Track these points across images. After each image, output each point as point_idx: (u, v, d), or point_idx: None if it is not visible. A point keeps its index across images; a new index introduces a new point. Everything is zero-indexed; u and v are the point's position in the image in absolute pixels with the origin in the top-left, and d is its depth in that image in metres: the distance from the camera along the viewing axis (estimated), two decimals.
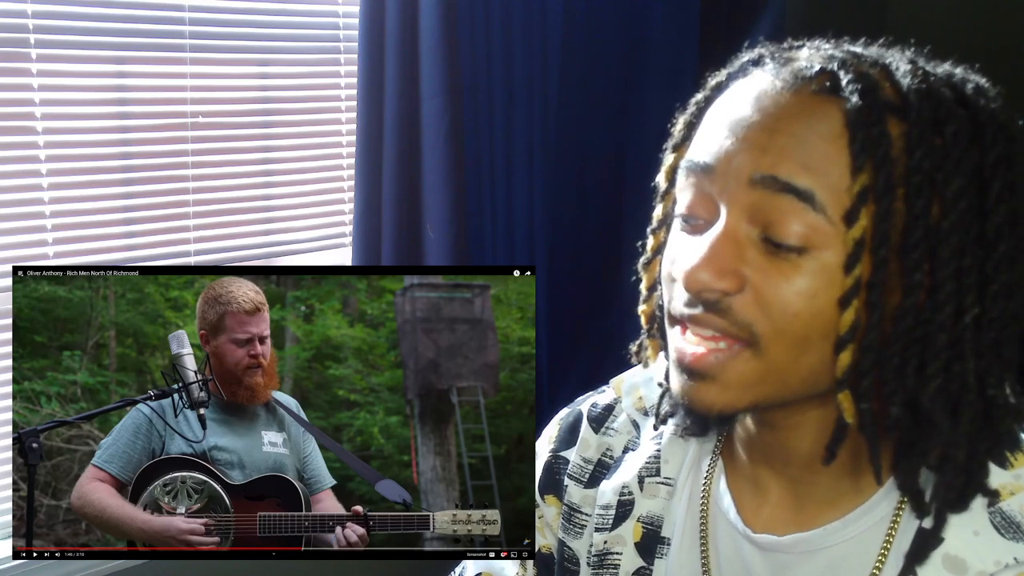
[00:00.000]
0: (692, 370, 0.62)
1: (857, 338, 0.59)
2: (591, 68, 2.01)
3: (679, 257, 0.63)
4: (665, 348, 0.73)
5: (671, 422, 0.78)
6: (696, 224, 0.63)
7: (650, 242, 0.72)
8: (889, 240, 0.58)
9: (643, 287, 0.73)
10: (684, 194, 0.64)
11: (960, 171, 0.59)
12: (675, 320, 0.64)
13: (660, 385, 0.80)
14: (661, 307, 0.71)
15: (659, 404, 0.79)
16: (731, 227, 0.61)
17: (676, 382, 0.64)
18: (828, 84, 0.60)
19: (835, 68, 0.61)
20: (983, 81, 0.64)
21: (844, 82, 0.60)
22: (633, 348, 0.79)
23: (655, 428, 0.79)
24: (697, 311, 0.62)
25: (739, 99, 0.63)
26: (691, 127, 0.68)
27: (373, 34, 1.72)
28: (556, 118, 1.98)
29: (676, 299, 0.64)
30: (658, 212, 0.71)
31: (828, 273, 0.59)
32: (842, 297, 0.59)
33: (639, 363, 0.79)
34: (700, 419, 0.70)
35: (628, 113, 2.08)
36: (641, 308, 0.74)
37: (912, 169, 0.58)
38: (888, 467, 0.66)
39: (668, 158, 0.70)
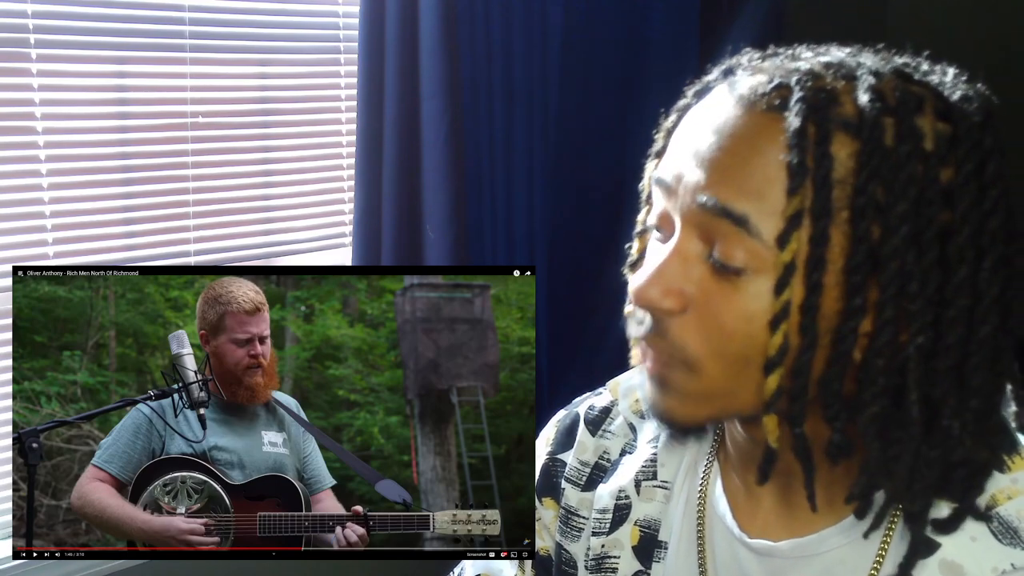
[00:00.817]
0: (652, 378, 0.64)
1: (787, 362, 0.59)
2: (591, 68, 2.01)
3: (635, 274, 0.64)
4: None
5: (657, 435, 0.79)
6: (664, 236, 0.64)
7: (636, 245, 0.72)
8: (824, 264, 0.57)
9: (629, 289, 0.73)
10: (656, 205, 0.65)
11: (906, 195, 0.56)
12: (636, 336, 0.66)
13: (636, 413, 0.82)
14: None
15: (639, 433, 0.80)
16: (681, 245, 0.61)
17: (647, 388, 0.66)
18: (778, 102, 0.58)
19: (791, 83, 0.59)
20: (973, 89, 0.60)
21: (792, 100, 0.58)
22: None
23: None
24: (643, 330, 0.63)
25: (702, 114, 0.62)
26: (669, 135, 0.67)
27: (373, 34, 1.72)
28: (556, 118, 1.98)
29: (636, 313, 0.65)
30: (642, 216, 0.72)
31: (765, 296, 0.58)
32: (771, 320, 0.58)
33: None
34: (664, 427, 0.70)
35: (628, 113, 2.08)
36: (627, 310, 0.74)
37: (857, 190, 0.56)
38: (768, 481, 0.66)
39: (650, 165, 0.70)
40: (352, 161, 1.82)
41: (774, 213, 0.57)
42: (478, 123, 1.86)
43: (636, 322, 0.64)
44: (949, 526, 0.63)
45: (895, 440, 0.59)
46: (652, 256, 0.64)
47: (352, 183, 1.82)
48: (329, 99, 1.90)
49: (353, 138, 1.79)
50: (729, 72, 0.65)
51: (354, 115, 1.78)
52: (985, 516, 0.63)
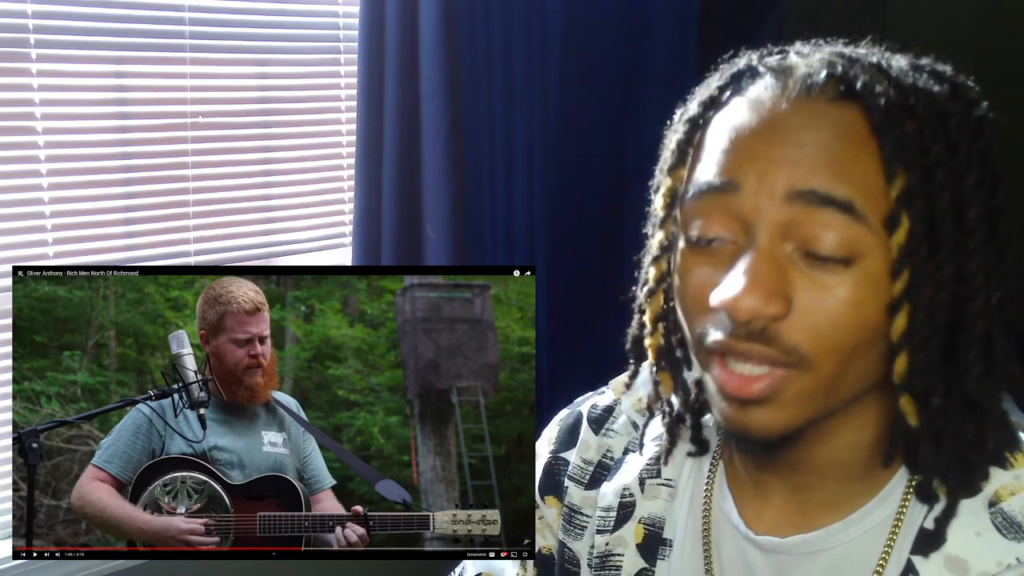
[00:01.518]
0: (744, 399, 0.60)
1: (911, 342, 0.60)
2: (591, 68, 2.01)
3: (717, 286, 0.60)
4: (676, 379, 0.73)
5: (661, 433, 0.78)
6: (716, 247, 0.61)
7: (652, 272, 0.70)
8: (926, 240, 0.58)
9: (647, 319, 0.71)
10: (696, 217, 0.62)
11: (974, 161, 0.60)
12: (712, 351, 0.62)
13: (647, 411, 0.79)
14: (673, 339, 0.71)
15: (642, 434, 0.79)
16: (768, 248, 0.59)
17: (725, 411, 0.62)
18: (843, 89, 0.60)
19: (842, 72, 0.60)
20: (951, 71, 0.64)
21: (859, 85, 0.59)
22: (626, 378, 0.79)
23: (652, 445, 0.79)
24: (740, 342, 0.60)
25: (747, 114, 0.62)
26: (685, 147, 0.66)
27: (373, 34, 1.72)
28: (556, 118, 1.98)
29: (713, 330, 0.61)
30: (660, 239, 0.69)
31: (873, 281, 0.58)
32: (891, 303, 0.59)
33: (628, 388, 0.81)
34: (750, 447, 0.68)
35: (628, 113, 2.08)
36: (647, 342, 0.72)
37: (932, 165, 0.59)
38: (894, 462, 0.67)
39: (664, 182, 0.67)
40: (352, 161, 1.82)
41: (871, 196, 0.58)
42: (478, 123, 1.86)
43: (727, 335, 0.60)
44: (972, 487, 0.64)
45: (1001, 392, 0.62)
46: (700, 271, 0.61)
47: (352, 183, 1.82)
48: (329, 99, 1.90)
49: (353, 138, 1.79)
50: (750, 75, 0.64)
51: (354, 115, 1.78)
52: (1002, 463, 0.64)
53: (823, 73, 0.60)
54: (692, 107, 0.67)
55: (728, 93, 0.65)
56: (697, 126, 0.65)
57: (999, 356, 0.62)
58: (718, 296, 0.59)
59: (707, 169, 0.62)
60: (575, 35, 1.97)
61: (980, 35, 2.44)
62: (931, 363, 0.61)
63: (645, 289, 0.71)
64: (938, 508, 0.64)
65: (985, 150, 0.61)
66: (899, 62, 0.63)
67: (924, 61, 0.64)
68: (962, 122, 0.60)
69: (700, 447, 0.76)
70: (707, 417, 0.75)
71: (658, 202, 0.69)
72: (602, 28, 2.01)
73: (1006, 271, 0.62)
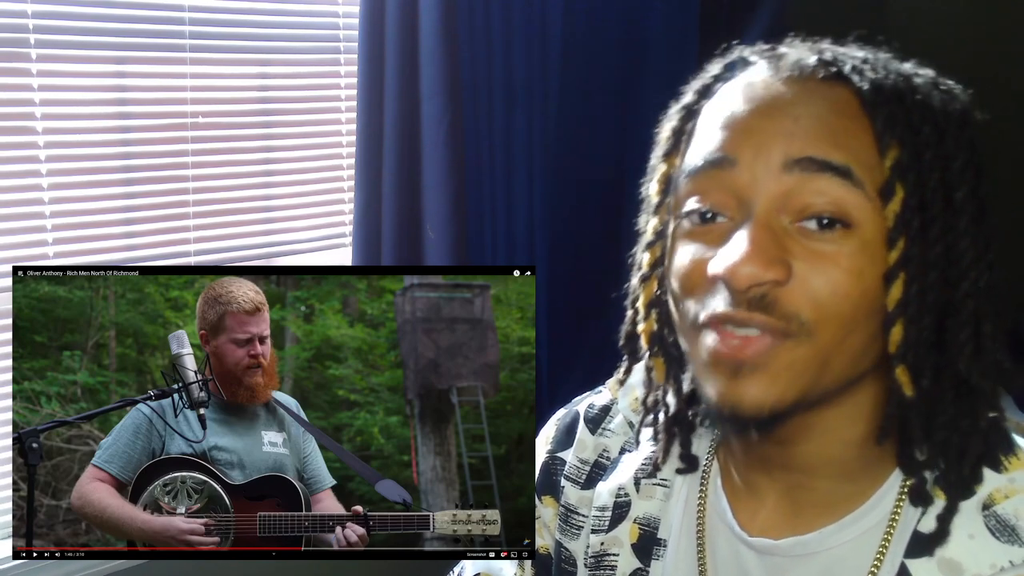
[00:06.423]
0: (738, 362, 0.59)
1: (907, 313, 0.60)
2: (591, 68, 2.01)
3: (712, 260, 0.60)
4: (669, 366, 0.72)
5: (650, 445, 0.78)
6: (710, 226, 0.62)
7: (646, 258, 0.70)
8: (919, 214, 0.59)
9: (640, 304, 0.71)
10: (692, 194, 0.63)
11: (960, 147, 0.61)
12: (706, 325, 0.61)
13: (636, 412, 0.79)
14: (666, 326, 0.70)
15: (638, 432, 0.78)
16: (766, 218, 0.60)
17: (716, 386, 0.61)
18: (833, 71, 0.62)
19: (830, 58, 0.63)
20: (933, 73, 0.66)
21: (847, 69, 0.62)
22: (620, 375, 0.78)
23: (635, 446, 0.79)
24: (740, 311, 0.59)
25: (741, 95, 0.63)
26: (680, 134, 0.67)
27: (373, 34, 1.72)
28: (556, 118, 1.98)
29: (711, 303, 0.61)
30: (654, 225, 0.69)
31: (870, 249, 0.59)
32: (887, 272, 0.60)
33: (622, 384, 0.80)
34: (739, 427, 0.66)
35: (628, 113, 2.08)
36: (640, 328, 0.71)
37: (921, 145, 0.60)
38: (888, 461, 0.67)
39: (659, 167, 0.69)
40: (352, 161, 1.82)
41: (866, 166, 0.60)
42: (478, 123, 1.86)
43: (726, 305, 0.59)
44: (973, 479, 0.64)
45: (995, 378, 0.63)
46: (694, 249, 0.62)
47: (352, 183, 1.82)
48: (329, 99, 1.90)
49: (353, 138, 1.79)
50: (741, 64, 0.67)
51: (354, 115, 1.78)
52: (998, 462, 0.64)
53: (812, 57, 0.63)
54: (687, 96, 0.69)
55: (721, 82, 0.67)
56: (691, 113, 0.67)
57: (988, 340, 0.62)
58: (717, 265, 0.59)
59: (701, 149, 0.64)
60: (575, 35, 1.97)
61: (980, 35, 2.43)
62: (922, 341, 0.61)
63: (639, 275, 0.71)
64: (937, 507, 0.64)
65: (971, 139, 0.62)
66: (884, 56, 0.65)
67: (906, 64, 0.66)
68: (947, 109, 0.62)
69: (689, 464, 0.75)
70: (697, 432, 0.75)
71: (652, 188, 0.70)
72: (602, 28, 2.01)
73: (991, 261, 0.62)
